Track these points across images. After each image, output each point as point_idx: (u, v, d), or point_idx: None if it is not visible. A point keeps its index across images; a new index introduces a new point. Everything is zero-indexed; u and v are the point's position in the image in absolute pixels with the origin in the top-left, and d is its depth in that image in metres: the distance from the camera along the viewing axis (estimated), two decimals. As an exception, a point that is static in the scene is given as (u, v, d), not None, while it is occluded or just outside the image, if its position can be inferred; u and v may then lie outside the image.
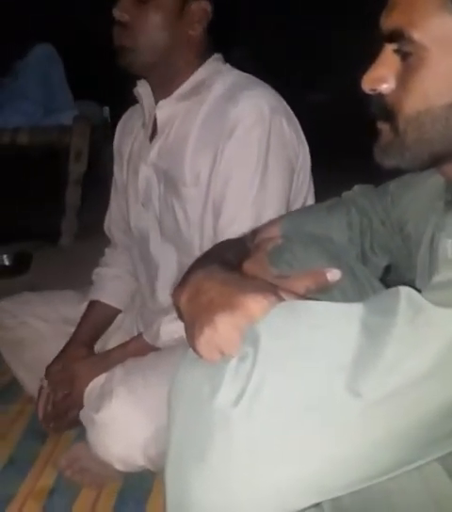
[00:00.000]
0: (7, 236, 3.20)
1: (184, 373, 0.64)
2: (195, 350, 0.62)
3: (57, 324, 1.55)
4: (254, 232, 0.95)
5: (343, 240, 0.93)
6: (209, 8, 1.27)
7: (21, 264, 3.02)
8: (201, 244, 1.30)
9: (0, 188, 3.20)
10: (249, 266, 0.80)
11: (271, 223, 0.99)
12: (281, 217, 1.02)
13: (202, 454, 0.56)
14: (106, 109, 3.30)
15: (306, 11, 4.19)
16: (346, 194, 1.00)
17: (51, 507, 1.33)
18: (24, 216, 3.26)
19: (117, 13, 1.25)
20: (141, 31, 1.25)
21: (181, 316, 0.70)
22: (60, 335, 1.51)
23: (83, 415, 1.34)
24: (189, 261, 1.27)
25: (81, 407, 1.34)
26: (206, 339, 0.61)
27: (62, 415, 1.40)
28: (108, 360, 1.33)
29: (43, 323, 1.55)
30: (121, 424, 1.17)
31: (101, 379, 1.28)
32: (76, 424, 1.41)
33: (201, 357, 0.62)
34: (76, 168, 3.21)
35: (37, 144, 3.18)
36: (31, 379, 1.54)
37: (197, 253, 1.29)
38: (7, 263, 3.07)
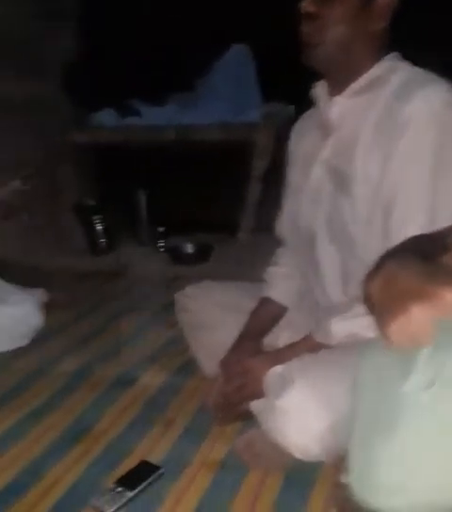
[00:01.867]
0: (192, 228, 3.43)
1: (370, 359, 0.65)
2: (386, 336, 0.63)
3: (233, 313, 1.61)
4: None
5: None
6: (393, 3, 1.26)
7: (202, 254, 3.22)
8: (365, 242, 1.27)
9: (189, 183, 3.43)
10: (450, 260, 0.77)
11: None
12: None
13: (390, 431, 0.57)
14: (292, 108, 3.36)
15: None
16: None
17: (222, 479, 1.40)
18: (207, 210, 3.45)
19: (303, 5, 1.28)
20: (328, 23, 1.26)
21: (370, 304, 0.70)
22: (235, 324, 1.56)
23: (256, 404, 1.38)
24: (351, 260, 1.27)
25: (252, 399, 1.38)
26: (399, 326, 0.61)
27: (233, 406, 1.45)
28: (280, 357, 1.35)
29: (221, 310, 1.63)
30: (300, 412, 1.19)
31: (278, 369, 1.29)
32: (243, 416, 1.47)
33: (391, 343, 0.62)
34: (260, 165, 3.33)
35: (226, 141, 3.35)
36: (207, 361, 1.64)
37: (359, 252, 1.27)
38: (190, 251, 3.29)
